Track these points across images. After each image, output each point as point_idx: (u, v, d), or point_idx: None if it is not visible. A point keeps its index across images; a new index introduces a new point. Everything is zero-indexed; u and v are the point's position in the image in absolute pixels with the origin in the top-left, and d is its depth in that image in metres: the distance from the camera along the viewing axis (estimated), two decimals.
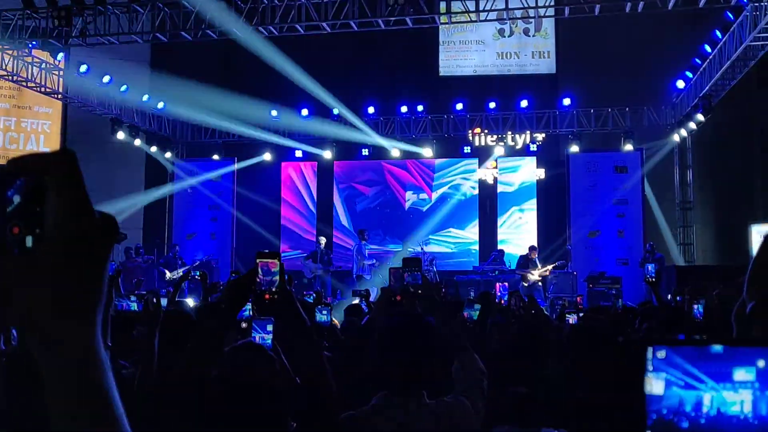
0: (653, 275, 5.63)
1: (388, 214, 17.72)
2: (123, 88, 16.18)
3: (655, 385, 0.81)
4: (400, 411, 2.25)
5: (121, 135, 16.53)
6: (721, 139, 17.11)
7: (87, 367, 0.69)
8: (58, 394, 0.69)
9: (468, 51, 18.77)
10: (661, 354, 0.81)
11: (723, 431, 0.79)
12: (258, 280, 2.24)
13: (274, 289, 2.24)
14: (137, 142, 17.11)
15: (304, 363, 2.24)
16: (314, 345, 2.27)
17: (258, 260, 2.26)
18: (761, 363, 0.79)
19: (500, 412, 2.86)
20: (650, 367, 0.81)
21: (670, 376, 0.80)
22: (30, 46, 13.93)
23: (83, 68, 15.09)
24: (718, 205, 17.93)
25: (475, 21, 13.60)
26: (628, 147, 16.21)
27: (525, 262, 14.26)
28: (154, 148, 17.83)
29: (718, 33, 13.41)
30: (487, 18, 13.40)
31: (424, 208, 17.62)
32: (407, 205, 17.73)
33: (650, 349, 0.81)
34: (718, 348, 0.80)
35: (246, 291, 2.28)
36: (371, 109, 16.96)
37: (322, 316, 5.04)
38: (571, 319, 6.10)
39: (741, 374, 0.79)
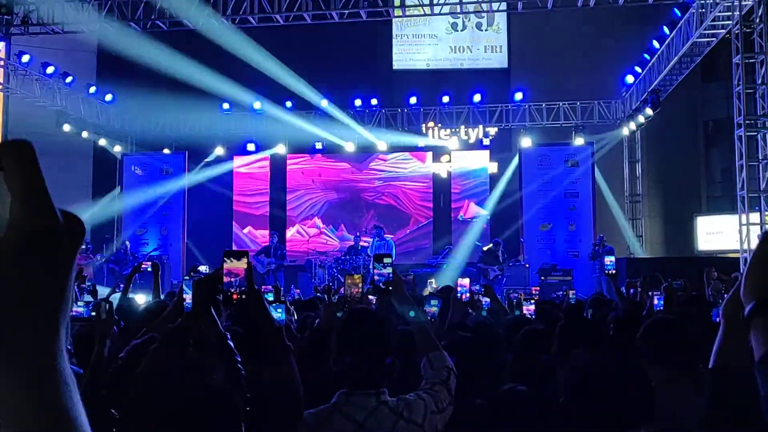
0: (613, 268, 5.65)
1: (345, 208, 17.65)
2: (69, 79, 15.70)
3: None
4: (358, 409, 2.22)
5: (66, 128, 16.02)
6: (669, 133, 17.52)
7: (45, 383, 0.61)
8: (12, 411, 0.60)
9: (421, 45, 18.79)
10: None
11: None
12: (225, 279, 2.20)
13: (242, 289, 2.20)
14: (84, 134, 16.61)
15: (272, 366, 2.18)
16: (284, 347, 2.21)
17: (225, 259, 2.21)
18: None
19: (471, 413, 2.84)
20: None
21: None
22: None
23: (25, 58, 14.58)
24: (666, 198, 18.39)
25: (429, 15, 13.61)
26: (579, 141, 16.45)
27: (488, 257, 14.29)
28: (102, 142, 17.37)
29: (665, 29, 13.71)
30: (441, 12, 13.42)
31: (376, 183, 17.47)
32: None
33: None
34: None
35: (213, 291, 2.22)
36: (324, 102, 16.80)
37: (276, 314, 4.92)
38: (527, 310, 6.13)
39: None
